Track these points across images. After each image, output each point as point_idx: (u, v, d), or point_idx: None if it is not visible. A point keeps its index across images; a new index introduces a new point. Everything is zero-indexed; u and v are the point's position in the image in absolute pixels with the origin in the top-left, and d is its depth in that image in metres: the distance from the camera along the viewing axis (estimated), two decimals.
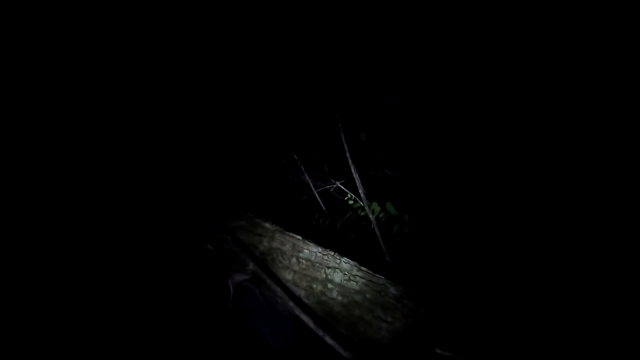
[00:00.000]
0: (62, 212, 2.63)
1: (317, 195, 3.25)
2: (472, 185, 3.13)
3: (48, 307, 2.26)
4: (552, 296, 2.45)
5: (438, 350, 2.13)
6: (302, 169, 3.31)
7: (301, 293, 2.40)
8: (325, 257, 2.45)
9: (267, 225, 2.60)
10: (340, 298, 2.34)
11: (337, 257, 2.44)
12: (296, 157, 3.33)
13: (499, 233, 2.88)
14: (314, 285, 2.40)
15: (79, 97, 3.08)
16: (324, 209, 3.26)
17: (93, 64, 3.18)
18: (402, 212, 3.13)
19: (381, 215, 3.11)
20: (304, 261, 2.46)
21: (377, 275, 2.38)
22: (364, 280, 2.36)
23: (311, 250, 2.48)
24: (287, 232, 2.56)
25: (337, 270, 2.40)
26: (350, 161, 3.13)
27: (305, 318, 2.21)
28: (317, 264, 2.44)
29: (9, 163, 2.69)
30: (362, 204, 3.12)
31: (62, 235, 2.54)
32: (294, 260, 2.48)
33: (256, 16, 3.47)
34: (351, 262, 2.42)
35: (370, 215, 3.04)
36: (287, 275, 2.45)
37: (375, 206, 3.11)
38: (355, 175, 3.12)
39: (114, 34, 3.25)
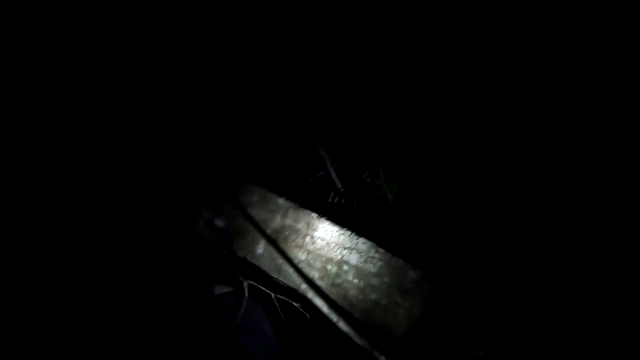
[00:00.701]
0: (60, 200, 2.53)
1: (332, 172, 3.09)
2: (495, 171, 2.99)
3: (45, 306, 2.16)
4: (576, 289, 2.32)
5: (479, 353, 2.00)
6: (319, 144, 3.15)
7: (315, 274, 2.26)
8: (342, 237, 2.30)
9: (281, 201, 2.45)
10: (356, 281, 2.20)
11: (354, 237, 2.28)
12: (313, 132, 3.17)
13: (524, 218, 2.75)
14: (329, 267, 2.26)
15: (77, 90, 2.98)
16: (340, 186, 3.10)
17: (92, 60, 3.08)
18: (422, 191, 2.99)
19: (400, 194, 2.97)
20: (318, 240, 2.32)
21: (396, 257, 2.23)
22: (381, 262, 2.22)
23: (327, 229, 2.33)
24: (302, 209, 2.41)
25: (354, 250, 2.26)
26: (370, 138, 2.97)
27: (318, 302, 2.08)
28: (333, 244, 2.29)
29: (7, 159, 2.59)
30: (380, 182, 2.96)
31: (61, 224, 2.44)
32: (308, 239, 2.33)
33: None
34: (369, 242, 2.27)
35: (389, 194, 2.89)
36: (301, 255, 2.31)
37: (394, 185, 2.96)
38: (375, 153, 2.96)
39: (114, 33, 3.14)
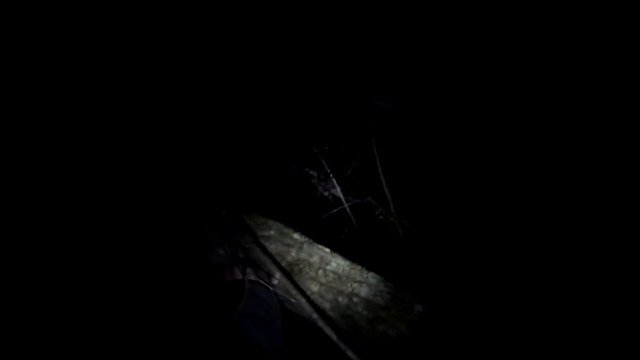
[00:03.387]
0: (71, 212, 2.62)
1: (347, 208, 3.26)
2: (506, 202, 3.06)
3: (45, 308, 2.24)
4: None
5: None
6: (334, 181, 3.34)
7: (326, 306, 2.40)
8: (353, 271, 2.46)
9: (296, 236, 2.63)
10: (365, 312, 2.33)
11: (365, 272, 2.44)
12: (328, 169, 3.36)
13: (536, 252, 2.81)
14: (340, 299, 2.40)
15: (78, 97, 3.09)
16: (354, 222, 3.26)
17: (93, 63, 3.19)
18: (433, 229, 3.10)
19: (411, 231, 3.10)
20: (331, 274, 2.47)
21: (404, 292, 2.36)
22: (390, 296, 2.35)
23: (339, 263, 2.49)
24: (316, 244, 2.58)
25: (364, 284, 2.40)
26: (382, 175, 3.13)
27: (328, 331, 2.21)
28: (344, 277, 2.45)
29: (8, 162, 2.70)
30: (392, 219, 3.11)
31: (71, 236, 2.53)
32: (320, 272, 2.49)
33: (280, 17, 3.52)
34: (378, 277, 2.42)
35: (400, 231, 3.03)
36: (313, 287, 2.47)
37: (406, 222, 3.10)
38: (387, 190, 3.12)
39: (114, 33, 3.27)
